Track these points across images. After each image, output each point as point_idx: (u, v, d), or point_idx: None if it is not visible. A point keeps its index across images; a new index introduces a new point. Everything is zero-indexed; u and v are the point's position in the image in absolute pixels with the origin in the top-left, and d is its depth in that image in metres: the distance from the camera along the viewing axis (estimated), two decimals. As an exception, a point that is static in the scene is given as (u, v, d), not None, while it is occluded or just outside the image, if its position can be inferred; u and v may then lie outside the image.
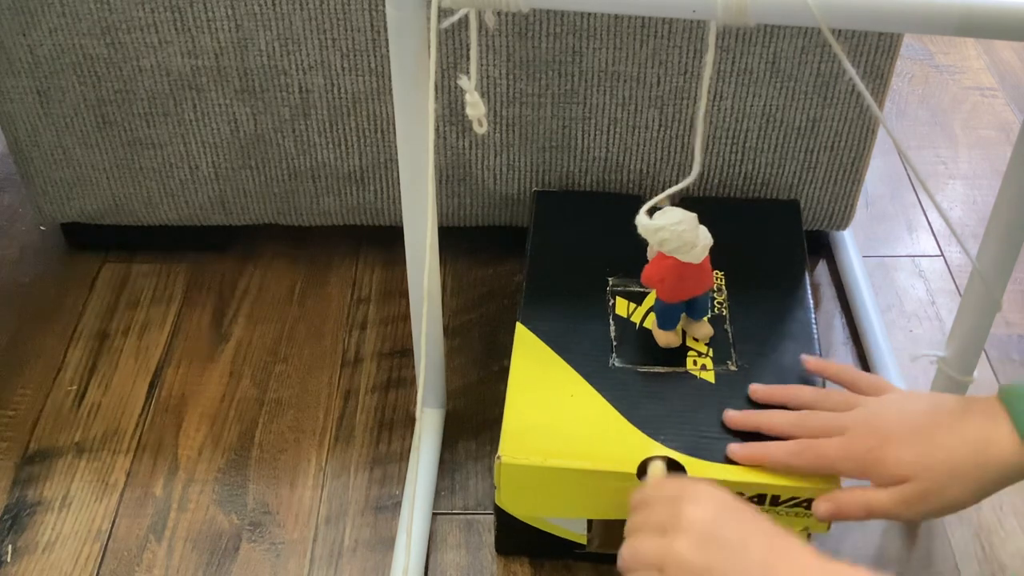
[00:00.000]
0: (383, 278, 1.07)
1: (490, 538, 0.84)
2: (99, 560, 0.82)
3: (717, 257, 0.87)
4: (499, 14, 0.87)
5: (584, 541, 0.80)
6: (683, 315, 0.81)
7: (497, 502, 0.77)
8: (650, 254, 0.78)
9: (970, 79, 1.37)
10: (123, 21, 0.89)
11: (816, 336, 0.82)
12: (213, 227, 1.06)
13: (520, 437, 0.74)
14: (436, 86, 0.90)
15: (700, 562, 0.60)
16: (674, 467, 0.73)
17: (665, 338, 0.81)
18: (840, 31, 0.88)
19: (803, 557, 0.59)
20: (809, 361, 0.79)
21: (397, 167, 0.78)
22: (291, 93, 0.94)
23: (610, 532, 0.79)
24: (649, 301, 0.84)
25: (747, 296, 0.85)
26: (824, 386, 0.78)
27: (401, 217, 0.76)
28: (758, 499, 0.72)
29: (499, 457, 0.73)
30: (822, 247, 1.10)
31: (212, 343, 1.00)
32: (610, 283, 0.86)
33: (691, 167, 0.64)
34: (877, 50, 0.90)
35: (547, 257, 0.88)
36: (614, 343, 0.81)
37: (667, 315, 0.80)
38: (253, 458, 0.90)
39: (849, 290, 1.04)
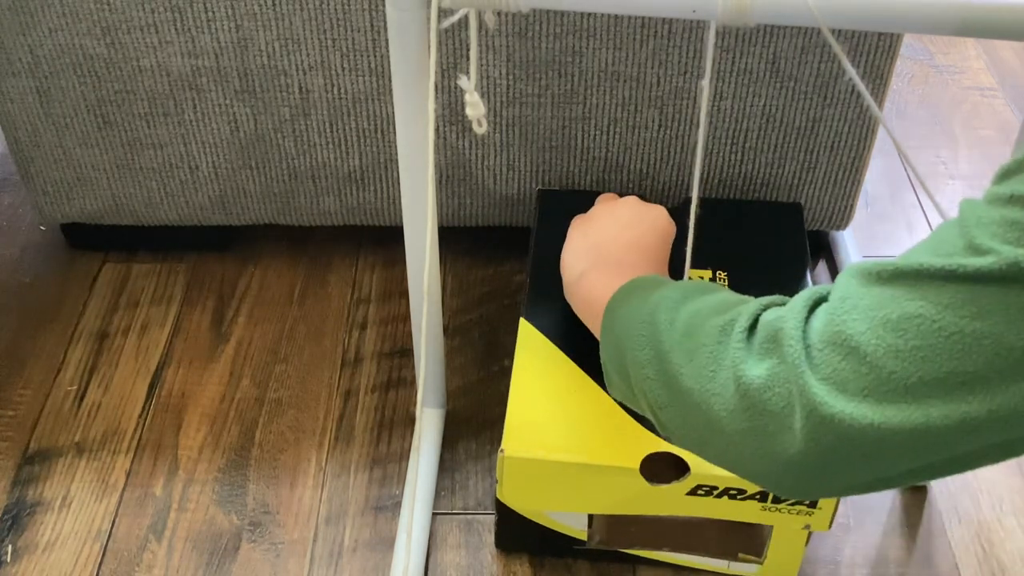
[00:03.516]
0: (383, 278, 1.07)
1: (490, 538, 0.84)
2: (99, 560, 0.82)
3: (721, 258, 0.87)
4: (499, 14, 0.87)
5: (584, 537, 0.80)
6: None
7: (498, 496, 0.77)
8: None
9: (970, 79, 1.37)
10: (123, 21, 0.89)
11: None
12: (213, 227, 1.06)
13: (523, 431, 0.75)
14: (436, 86, 0.90)
15: (594, 212, 0.82)
16: (679, 465, 0.73)
17: None
18: (840, 31, 0.88)
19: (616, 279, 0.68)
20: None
21: (397, 167, 0.78)
22: (291, 93, 0.94)
23: (611, 528, 0.80)
24: None
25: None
26: None
27: (401, 217, 0.76)
28: (760, 497, 0.72)
29: (502, 451, 0.73)
30: (822, 247, 1.10)
31: (212, 343, 1.00)
32: None
33: (691, 168, 0.64)
34: (877, 50, 0.90)
35: (551, 255, 0.88)
36: None
37: None
38: (253, 458, 0.90)
39: (849, 290, 1.04)
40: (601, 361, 0.66)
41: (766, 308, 0.53)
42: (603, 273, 0.73)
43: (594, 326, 0.71)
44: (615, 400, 0.66)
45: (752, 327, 0.52)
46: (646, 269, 0.73)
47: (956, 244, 0.44)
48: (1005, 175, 0.45)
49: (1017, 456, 0.46)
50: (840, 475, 0.48)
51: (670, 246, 0.79)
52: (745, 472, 0.53)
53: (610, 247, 0.77)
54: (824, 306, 0.49)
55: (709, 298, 0.58)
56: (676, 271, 0.80)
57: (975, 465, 0.47)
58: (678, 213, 0.81)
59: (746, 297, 0.57)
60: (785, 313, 0.50)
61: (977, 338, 0.42)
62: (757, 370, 0.49)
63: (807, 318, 0.49)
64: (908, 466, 0.47)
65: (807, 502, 0.72)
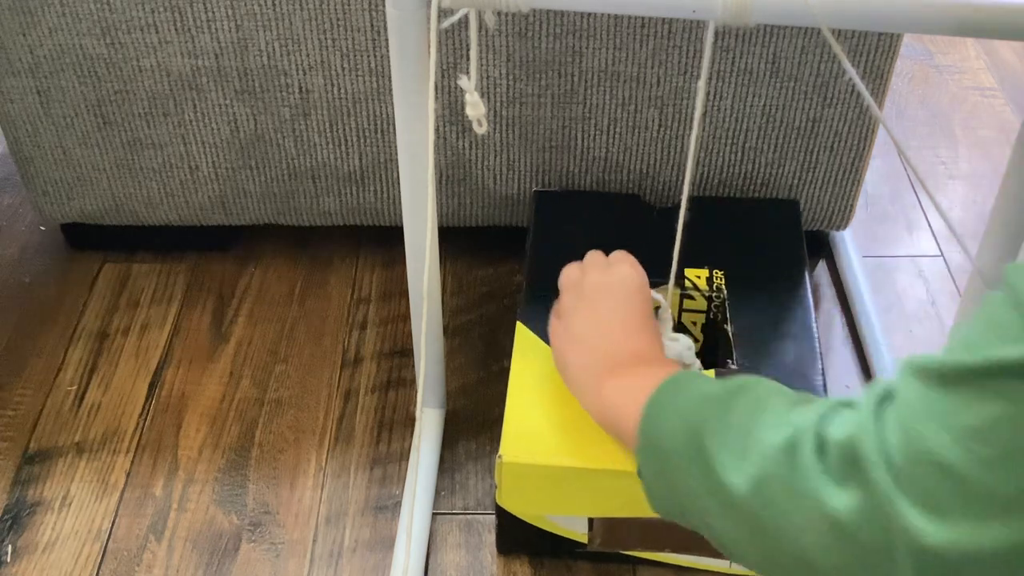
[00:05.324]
0: (383, 278, 1.07)
1: (490, 538, 0.84)
2: (99, 560, 0.82)
3: (718, 256, 0.86)
4: (499, 14, 0.87)
5: (585, 540, 0.80)
6: None
7: (498, 501, 0.77)
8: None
9: (970, 79, 1.37)
10: (123, 21, 0.90)
11: (816, 335, 0.82)
12: (213, 227, 1.06)
13: (521, 436, 0.74)
14: (436, 86, 0.90)
15: (567, 313, 0.75)
16: None
17: None
18: (840, 31, 0.88)
19: (627, 372, 0.67)
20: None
21: (397, 167, 0.78)
22: (291, 93, 0.94)
23: (611, 530, 0.79)
24: None
25: (747, 295, 0.85)
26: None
27: (401, 217, 0.76)
28: None
29: (500, 456, 0.73)
30: (822, 247, 1.10)
31: (212, 343, 1.00)
32: None
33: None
34: (877, 50, 0.90)
35: (547, 257, 0.89)
36: None
37: None
38: (253, 458, 0.90)
39: (849, 290, 1.04)
40: (639, 475, 0.62)
41: (824, 417, 0.48)
42: (618, 379, 0.68)
43: (617, 436, 0.69)
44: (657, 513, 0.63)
45: (820, 446, 0.47)
46: (648, 344, 0.71)
47: (1017, 326, 0.40)
48: None
49: None
50: None
51: (649, 293, 0.75)
52: None
53: (606, 349, 0.72)
54: (893, 415, 0.44)
55: (755, 410, 0.53)
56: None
57: None
58: (672, 213, 0.81)
59: (786, 391, 0.53)
60: (856, 431, 0.45)
61: None
62: (842, 500, 0.45)
63: (881, 431, 0.44)
64: None
65: None
